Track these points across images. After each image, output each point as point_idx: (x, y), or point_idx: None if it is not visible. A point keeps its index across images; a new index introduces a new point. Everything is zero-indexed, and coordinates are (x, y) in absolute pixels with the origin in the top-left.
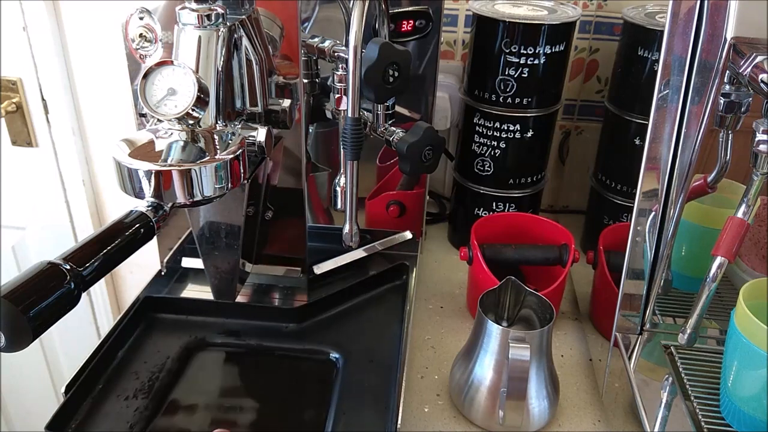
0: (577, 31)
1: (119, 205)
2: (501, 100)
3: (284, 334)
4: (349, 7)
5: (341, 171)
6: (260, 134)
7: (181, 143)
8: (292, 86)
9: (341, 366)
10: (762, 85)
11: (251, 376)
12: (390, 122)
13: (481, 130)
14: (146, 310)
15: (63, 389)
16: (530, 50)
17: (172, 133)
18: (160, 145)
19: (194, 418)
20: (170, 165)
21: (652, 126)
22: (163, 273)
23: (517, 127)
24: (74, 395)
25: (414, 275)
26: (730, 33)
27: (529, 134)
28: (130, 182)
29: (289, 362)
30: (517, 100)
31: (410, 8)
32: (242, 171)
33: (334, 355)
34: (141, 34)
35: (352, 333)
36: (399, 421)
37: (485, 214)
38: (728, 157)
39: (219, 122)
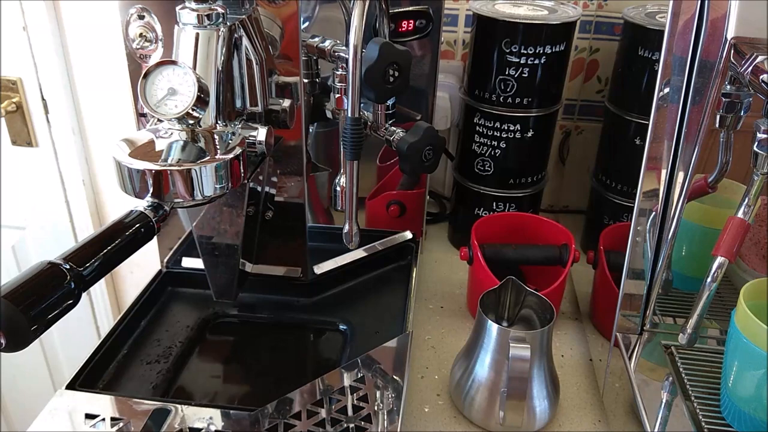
0: (577, 31)
1: (119, 205)
2: (501, 100)
3: (296, 308)
4: (349, 6)
5: (341, 171)
6: (260, 134)
7: (182, 143)
8: (292, 86)
9: (350, 336)
10: (763, 85)
11: (265, 344)
12: (390, 122)
13: (481, 130)
14: (166, 284)
15: (85, 360)
16: (530, 50)
17: (172, 133)
18: (160, 145)
19: (212, 381)
20: (170, 165)
21: (653, 126)
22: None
23: (518, 127)
24: (100, 360)
25: (414, 275)
26: (730, 33)
27: (530, 134)
28: (130, 182)
29: (301, 332)
30: (518, 100)
31: (410, 8)
32: (242, 171)
33: (342, 326)
34: (141, 33)
35: (360, 307)
36: (400, 422)
37: (485, 214)
38: (728, 157)
39: (219, 122)
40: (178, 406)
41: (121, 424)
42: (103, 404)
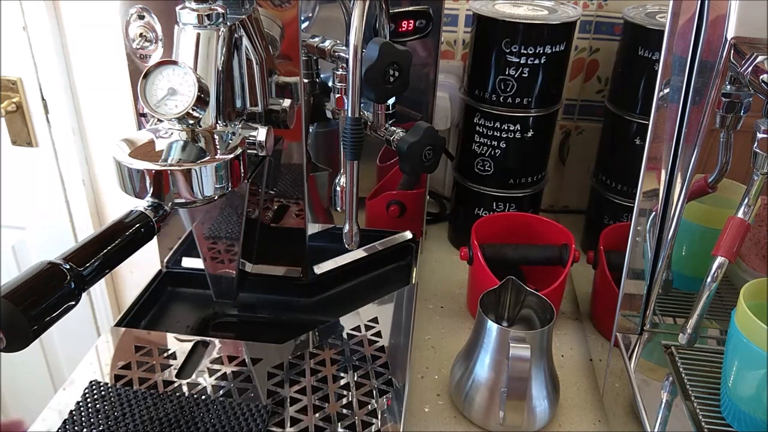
0: (577, 31)
1: (119, 205)
2: (501, 100)
3: (296, 308)
4: (349, 6)
5: (341, 171)
6: (260, 134)
7: (182, 143)
8: (292, 86)
9: None
10: (763, 85)
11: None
12: (390, 122)
13: (481, 130)
14: (166, 284)
15: None
16: (530, 50)
17: (172, 133)
18: (161, 145)
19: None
20: (170, 165)
21: (653, 126)
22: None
23: (518, 127)
24: None
25: (414, 275)
26: (730, 33)
27: (530, 134)
28: (130, 182)
29: (301, 332)
30: (518, 100)
31: (410, 8)
32: (242, 171)
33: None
34: (141, 33)
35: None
36: (402, 423)
37: (485, 214)
38: (728, 157)
39: (219, 122)
40: (217, 339)
41: (167, 354)
42: (150, 339)
